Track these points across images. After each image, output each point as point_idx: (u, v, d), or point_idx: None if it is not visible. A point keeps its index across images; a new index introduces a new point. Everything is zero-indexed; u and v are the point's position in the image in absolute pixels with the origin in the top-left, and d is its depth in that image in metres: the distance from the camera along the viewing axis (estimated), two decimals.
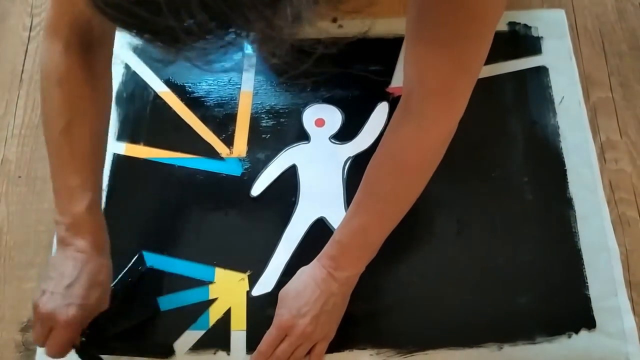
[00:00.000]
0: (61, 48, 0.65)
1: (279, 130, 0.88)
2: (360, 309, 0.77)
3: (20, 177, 0.86)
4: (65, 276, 0.64)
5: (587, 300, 0.77)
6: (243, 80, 0.91)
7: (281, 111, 0.89)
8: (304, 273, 0.73)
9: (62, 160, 0.67)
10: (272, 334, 0.71)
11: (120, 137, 0.88)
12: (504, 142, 0.87)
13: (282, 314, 0.72)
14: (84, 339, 0.66)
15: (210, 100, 0.90)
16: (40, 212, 0.84)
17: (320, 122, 0.88)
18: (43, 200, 0.85)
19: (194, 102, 0.90)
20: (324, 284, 0.71)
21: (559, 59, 0.91)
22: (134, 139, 0.88)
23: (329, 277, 0.71)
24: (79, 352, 0.67)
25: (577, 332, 0.75)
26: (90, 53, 0.67)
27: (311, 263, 0.73)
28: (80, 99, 0.66)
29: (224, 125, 0.88)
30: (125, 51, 0.94)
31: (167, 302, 0.78)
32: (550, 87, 0.90)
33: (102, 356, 0.70)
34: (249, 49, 0.93)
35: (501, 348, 0.74)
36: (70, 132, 0.66)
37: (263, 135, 0.87)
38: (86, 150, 0.67)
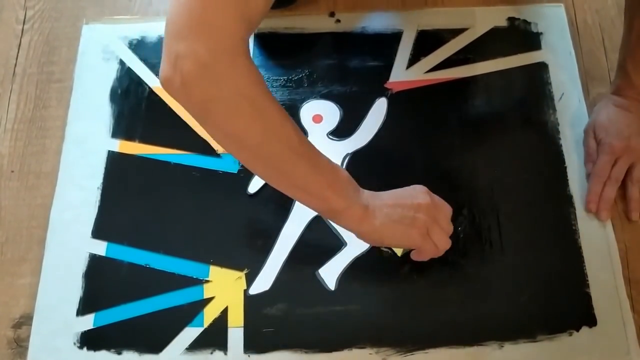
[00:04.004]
0: (249, 62, 0.59)
1: None
2: (360, 307, 0.76)
3: (13, 171, 0.85)
4: None
5: (588, 297, 0.76)
6: None
7: None
8: (607, 107, 0.83)
9: (319, 161, 0.66)
10: (604, 160, 0.80)
11: (115, 134, 0.87)
12: (503, 139, 0.86)
13: (610, 141, 0.81)
14: None
15: None
16: (33, 208, 0.82)
17: (318, 118, 0.87)
18: (36, 195, 0.83)
19: None
20: (633, 107, 0.82)
21: (558, 54, 0.91)
22: (128, 136, 0.87)
23: (635, 102, 0.82)
24: None
25: (578, 329, 0.74)
26: None
27: (604, 100, 0.85)
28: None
29: None
30: (119, 47, 0.93)
31: (161, 301, 0.76)
32: (550, 83, 0.89)
33: None
34: None
35: (502, 346, 0.73)
36: (301, 134, 0.64)
37: None
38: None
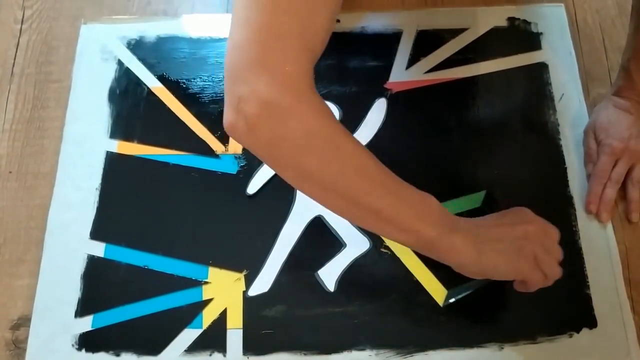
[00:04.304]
0: (316, 96, 0.56)
1: None
2: (359, 309, 0.76)
3: (11, 172, 0.85)
4: None
5: (588, 299, 0.76)
6: None
7: None
8: (607, 108, 0.83)
9: (404, 190, 0.61)
10: (605, 161, 0.80)
11: (113, 134, 0.86)
12: (503, 139, 0.86)
13: (610, 142, 0.80)
14: None
15: (205, 96, 0.89)
16: (31, 208, 0.82)
17: None
18: (34, 196, 0.83)
19: (188, 99, 0.88)
20: (634, 109, 0.81)
21: (558, 55, 0.91)
22: (127, 137, 0.86)
23: (636, 104, 0.81)
24: None
25: (578, 331, 0.74)
26: None
27: (605, 101, 0.84)
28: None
29: (219, 122, 0.85)
30: (118, 47, 0.92)
31: (160, 303, 0.76)
32: (550, 83, 0.89)
33: None
34: None
35: (502, 348, 0.73)
36: (380, 164, 0.61)
37: None
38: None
